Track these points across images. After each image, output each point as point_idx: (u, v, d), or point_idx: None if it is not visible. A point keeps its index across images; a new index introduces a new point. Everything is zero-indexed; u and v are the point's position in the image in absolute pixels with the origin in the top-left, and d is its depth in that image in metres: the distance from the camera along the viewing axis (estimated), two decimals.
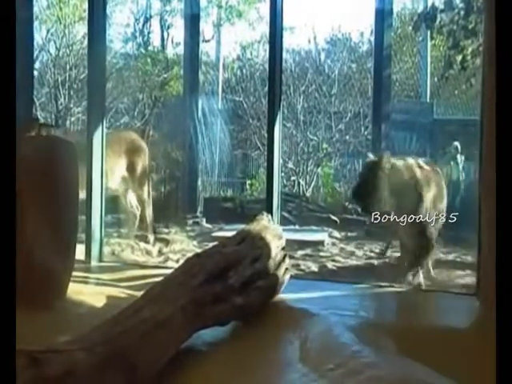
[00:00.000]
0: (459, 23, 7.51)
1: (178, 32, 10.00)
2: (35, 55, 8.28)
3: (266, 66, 5.33)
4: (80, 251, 4.38)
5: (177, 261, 5.50)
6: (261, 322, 3.06)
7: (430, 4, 8.23)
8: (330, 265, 5.79)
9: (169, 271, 2.93)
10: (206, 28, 9.92)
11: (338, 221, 8.09)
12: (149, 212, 6.52)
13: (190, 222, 8.06)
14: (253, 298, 3.01)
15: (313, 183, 9.49)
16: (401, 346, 2.71)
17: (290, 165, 9.32)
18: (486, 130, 3.45)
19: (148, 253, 6.17)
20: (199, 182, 9.10)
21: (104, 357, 2.13)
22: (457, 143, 8.22)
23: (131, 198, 6.40)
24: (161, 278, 2.80)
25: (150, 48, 10.36)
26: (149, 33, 10.32)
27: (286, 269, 3.49)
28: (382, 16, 8.21)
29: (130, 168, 6.36)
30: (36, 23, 8.48)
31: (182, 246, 6.60)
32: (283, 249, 3.52)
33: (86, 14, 5.77)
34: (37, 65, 9.05)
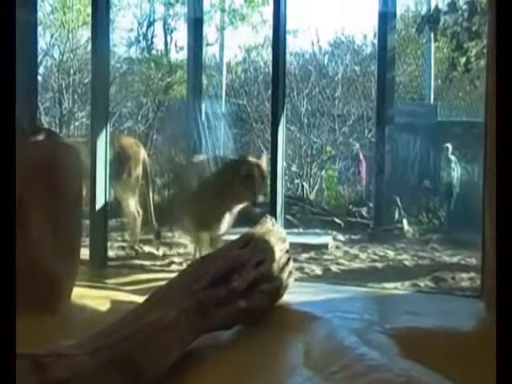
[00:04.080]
0: (463, 25, 7.50)
1: (181, 36, 10.05)
2: (39, 60, 8.30)
3: (270, 69, 5.34)
4: (84, 255, 4.38)
5: (181, 264, 5.50)
6: (265, 325, 3.05)
7: (433, 6, 8.23)
8: (333, 268, 5.78)
9: (173, 275, 2.93)
10: (209, 32, 9.95)
11: (342, 224, 8.09)
12: (150, 217, 6.52)
13: None
14: (257, 301, 3.00)
15: (316, 186, 9.49)
16: (405, 349, 2.70)
17: (294, 168, 9.32)
18: (490, 132, 3.44)
19: (152, 257, 6.17)
20: None
21: (108, 361, 2.13)
22: (448, 144, 8.24)
23: (130, 203, 6.40)
24: (165, 281, 2.80)
25: (153, 52, 10.38)
26: (152, 37, 10.35)
27: (290, 272, 3.49)
28: (386, 18, 8.21)
29: (128, 173, 6.37)
30: (40, 28, 8.51)
31: (185, 250, 6.60)
32: (287, 252, 3.52)
33: (89, 19, 5.78)
34: (41, 70, 9.09)
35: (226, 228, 4.49)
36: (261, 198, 4.38)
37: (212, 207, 4.40)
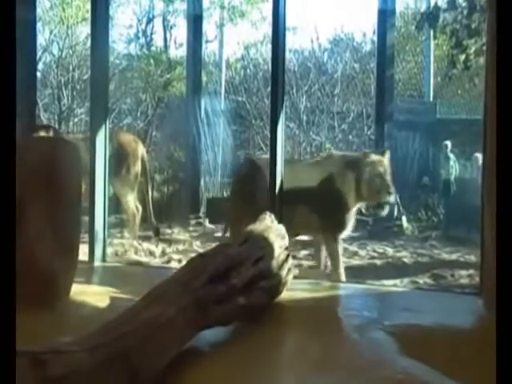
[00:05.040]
0: (462, 22, 7.50)
1: (180, 32, 10.04)
2: (38, 56, 8.29)
3: (269, 66, 5.33)
4: (83, 252, 4.38)
5: (179, 261, 5.51)
6: (264, 322, 3.05)
7: (432, 3, 8.22)
8: None
9: (172, 272, 2.93)
10: (208, 28, 9.94)
11: None
12: (149, 213, 6.52)
13: (193, 222, 8.07)
14: (256, 298, 3.00)
15: None
16: (404, 347, 2.71)
17: None
18: (490, 129, 3.43)
19: (151, 253, 6.18)
20: (202, 183, 9.10)
21: (107, 358, 2.12)
22: (447, 142, 8.26)
23: (129, 200, 6.40)
24: (163, 278, 2.79)
25: (152, 49, 10.37)
26: (151, 33, 10.34)
27: (289, 269, 3.48)
28: (385, 16, 8.22)
29: (127, 170, 6.37)
30: (39, 24, 8.50)
31: (184, 247, 6.61)
32: (286, 249, 3.52)
33: (88, 15, 5.78)
34: (40, 66, 9.08)
35: (351, 227, 4.37)
36: (389, 198, 4.24)
37: (337, 206, 4.27)
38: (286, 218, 4.39)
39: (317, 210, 4.33)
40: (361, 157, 4.35)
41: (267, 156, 4.35)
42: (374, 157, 4.29)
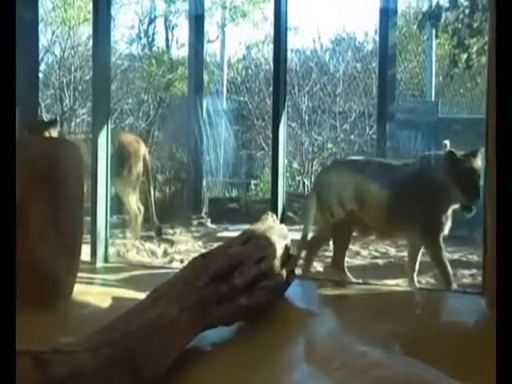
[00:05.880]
0: (464, 21, 7.49)
1: (182, 33, 10.03)
2: (40, 57, 8.29)
3: (271, 65, 5.33)
4: (85, 252, 4.38)
5: (182, 261, 5.50)
6: (266, 321, 3.05)
7: (434, 2, 8.20)
8: None
9: (174, 272, 2.93)
10: (210, 28, 9.93)
11: None
12: (151, 213, 6.53)
13: (195, 222, 8.06)
14: (258, 297, 3.01)
15: None
16: (406, 346, 2.71)
17: (295, 165, 9.30)
18: (491, 128, 3.43)
19: (153, 253, 6.18)
20: (204, 183, 9.10)
21: (110, 358, 2.13)
22: (446, 141, 8.24)
23: (131, 200, 6.40)
24: (166, 278, 2.80)
25: (154, 49, 10.38)
26: (153, 34, 10.34)
27: (292, 269, 3.48)
28: (387, 15, 8.20)
29: (129, 170, 6.37)
30: (41, 25, 8.49)
31: (186, 247, 6.60)
32: (288, 249, 3.52)
33: (90, 16, 5.78)
34: (42, 67, 9.08)
35: (448, 228, 4.26)
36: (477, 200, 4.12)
37: (433, 209, 4.18)
38: (383, 221, 4.31)
39: (414, 212, 4.23)
40: (453, 157, 4.30)
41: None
42: (466, 157, 4.26)
